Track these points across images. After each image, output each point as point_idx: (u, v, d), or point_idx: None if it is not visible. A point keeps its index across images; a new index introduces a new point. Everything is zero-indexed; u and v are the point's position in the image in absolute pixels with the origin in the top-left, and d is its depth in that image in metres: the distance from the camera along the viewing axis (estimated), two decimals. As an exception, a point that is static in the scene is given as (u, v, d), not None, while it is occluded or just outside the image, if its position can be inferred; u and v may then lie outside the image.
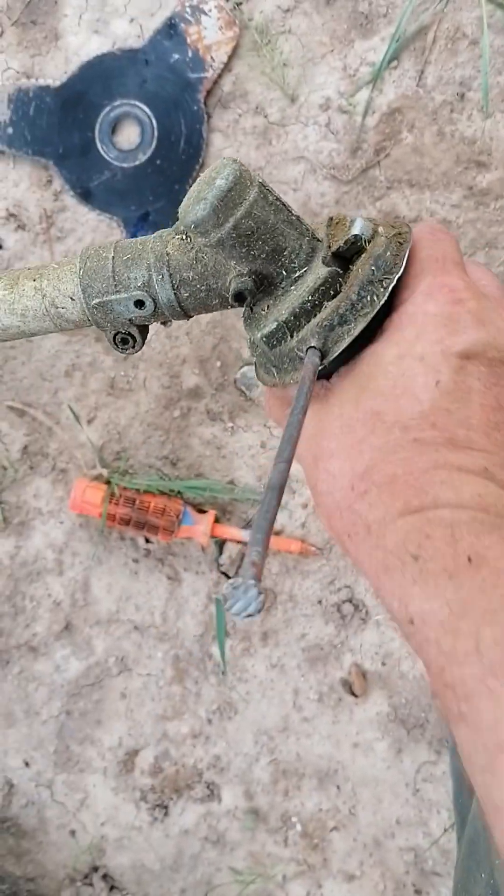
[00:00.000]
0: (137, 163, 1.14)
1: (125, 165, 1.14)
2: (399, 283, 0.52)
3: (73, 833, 1.23)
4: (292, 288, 0.53)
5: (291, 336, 0.53)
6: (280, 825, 1.20)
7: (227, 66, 1.11)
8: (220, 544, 1.17)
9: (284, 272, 0.53)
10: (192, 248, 0.57)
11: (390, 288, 0.50)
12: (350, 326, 0.50)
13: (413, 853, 1.19)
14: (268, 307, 0.57)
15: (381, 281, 0.50)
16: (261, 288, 0.57)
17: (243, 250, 0.52)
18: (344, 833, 1.19)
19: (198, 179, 0.55)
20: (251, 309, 0.60)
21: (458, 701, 0.30)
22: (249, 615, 0.36)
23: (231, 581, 0.37)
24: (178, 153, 1.13)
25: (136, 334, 0.64)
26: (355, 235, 0.53)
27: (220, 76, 1.12)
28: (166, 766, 1.21)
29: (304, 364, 0.53)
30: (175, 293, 0.59)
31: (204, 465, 1.17)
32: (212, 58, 1.11)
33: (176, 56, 1.12)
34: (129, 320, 0.62)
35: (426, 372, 0.40)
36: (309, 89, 1.11)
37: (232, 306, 0.59)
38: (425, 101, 1.09)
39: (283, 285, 0.56)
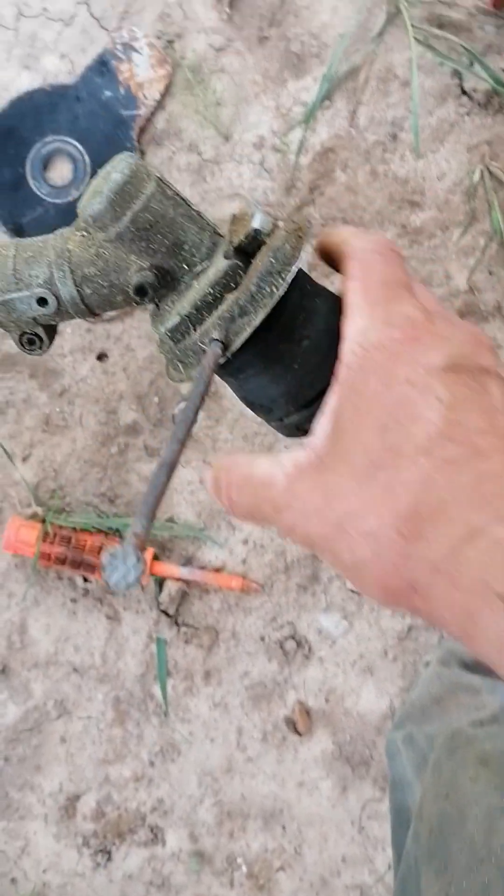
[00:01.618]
0: (70, 199, 1.15)
1: (58, 201, 1.15)
2: (348, 310, 0.53)
3: (13, 881, 1.22)
4: (194, 282, 0.53)
5: (195, 329, 0.53)
6: (226, 867, 1.20)
7: (160, 104, 1.13)
8: (160, 582, 1.17)
9: (186, 266, 0.53)
10: (92, 243, 0.56)
11: (289, 279, 0.50)
12: (250, 317, 0.50)
13: (359, 890, 1.20)
14: (172, 302, 0.55)
15: (280, 273, 0.50)
16: (163, 283, 0.57)
17: (143, 244, 0.52)
18: (290, 873, 1.19)
19: (96, 174, 0.57)
20: (157, 306, 0.60)
21: None
22: (129, 584, 0.34)
23: (110, 549, 0.34)
24: (113, 189, 1.14)
25: (43, 334, 0.64)
26: (255, 229, 0.51)
27: (153, 114, 1.13)
28: (109, 810, 1.20)
29: (206, 355, 0.51)
30: (78, 290, 0.57)
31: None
32: (144, 95, 1.13)
33: (108, 93, 1.13)
34: (34, 319, 0.62)
35: (422, 393, 0.39)
36: (242, 128, 1.13)
37: (136, 302, 0.56)
38: (358, 141, 1.12)
39: (185, 280, 0.54)
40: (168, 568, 1.13)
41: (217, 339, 0.52)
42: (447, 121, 1.09)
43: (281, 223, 0.54)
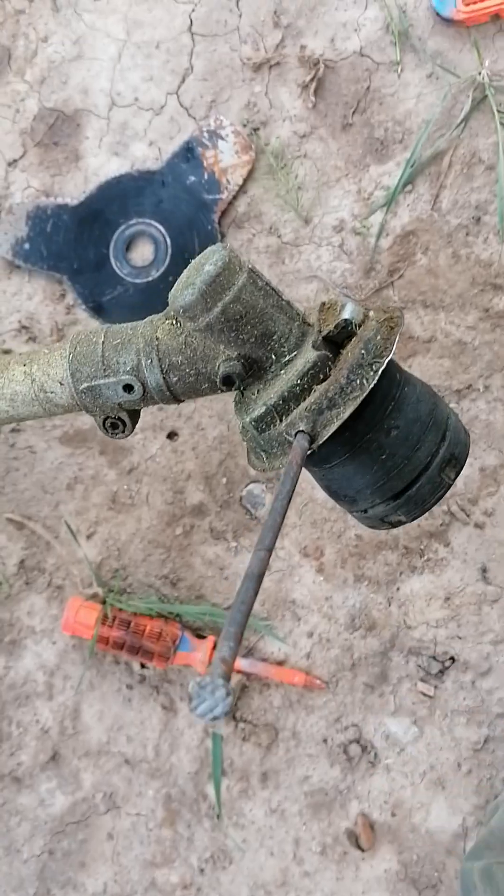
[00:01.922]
0: (150, 279, 1.16)
1: (138, 281, 1.16)
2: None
3: None
4: (282, 372, 0.53)
5: (280, 420, 0.52)
6: None
7: (242, 188, 1.14)
8: (219, 673, 1.11)
9: (274, 356, 0.53)
10: (181, 332, 0.56)
11: (380, 371, 0.50)
12: (339, 410, 0.50)
13: None
14: (258, 391, 0.54)
15: (371, 364, 0.50)
16: (250, 372, 0.55)
17: (232, 334, 0.52)
18: None
19: (189, 265, 0.55)
20: (241, 393, 0.58)
21: None
22: (215, 718, 0.32)
23: (198, 679, 0.32)
24: (191, 270, 1.15)
25: (126, 419, 0.63)
26: (345, 320, 0.51)
27: (235, 197, 1.14)
28: (152, 919, 1.12)
29: (293, 447, 0.49)
30: (164, 377, 0.57)
31: (205, 586, 1.13)
32: (227, 180, 1.15)
33: (192, 178, 1.16)
34: (119, 405, 0.60)
35: None
36: (323, 211, 1.13)
37: (222, 390, 0.56)
38: (440, 225, 1.10)
39: (272, 369, 0.53)
40: (228, 657, 1.08)
41: (304, 431, 0.49)
42: (534, 205, 1.06)
43: (372, 313, 0.52)
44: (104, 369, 0.57)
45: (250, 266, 0.50)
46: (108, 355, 0.57)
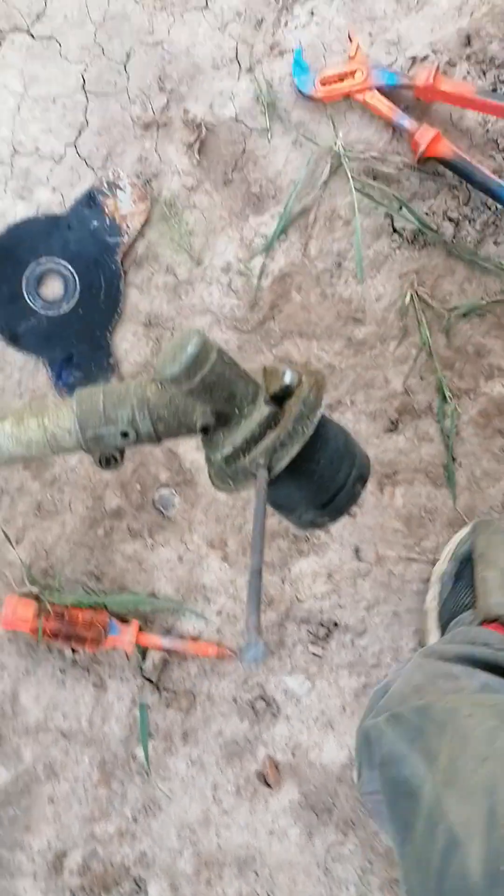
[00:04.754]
0: (61, 312, 1.31)
1: (50, 314, 1.31)
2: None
3: (-3, 945, 1.30)
4: (243, 421, 0.71)
5: (244, 456, 0.71)
6: (202, 915, 1.31)
7: (140, 233, 1.31)
8: (143, 652, 1.30)
9: (237, 410, 0.70)
10: (166, 393, 0.73)
11: (316, 421, 0.71)
12: (288, 448, 0.70)
13: (324, 929, 1.33)
14: (223, 434, 0.75)
15: (309, 416, 0.70)
16: (219, 423, 0.76)
17: (207, 396, 0.69)
18: (261, 916, 1.32)
19: (171, 342, 0.72)
20: (210, 438, 0.79)
21: None
22: (261, 660, 0.52)
23: (245, 643, 0.51)
24: (99, 304, 1.31)
25: (118, 456, 0.81)
26: (287, 384, 0.73)
27: (134, 241, 1.31)
28: (94, 865, 1.30)
29: (258, 479, 0.72)
30: (154, 427, 0.73)
31: (127, 578, 1.31)
32: (127, 225, 1.31)
33: (95, 223, 1.31)
34: (115, 446, 0.80)
35: None
36: (212, 254, 1.33)
37: (197, 435, 0.74)
38: (309, 268, 1.33)
39: (235, 419, 0.74)
40: (151, 638, 1.27)
41: (263, 465, 0.70)
42: (382, 253, 1.32)
43: (304, 377, 0.73)
44: (105, 421, 0.74)
45: (218, 346, 0.70)
46: (109, 410, 0.74)
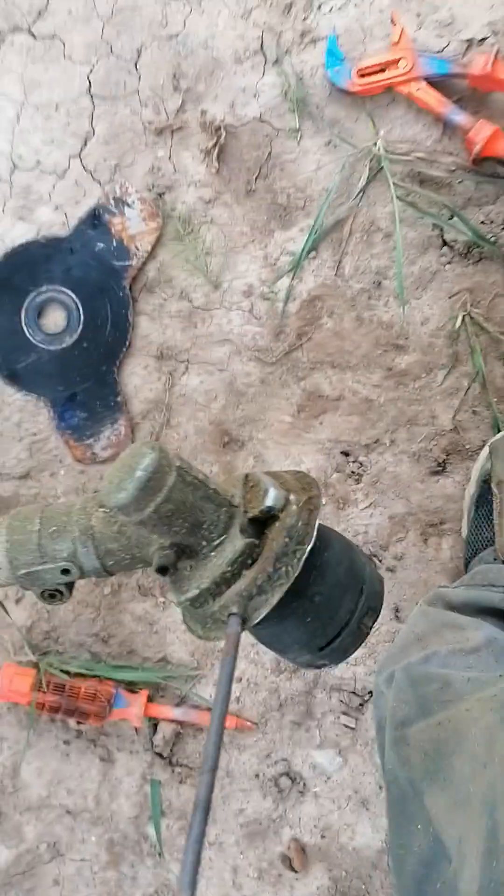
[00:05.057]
0: (64, 345, 1.18)
1: (51, 348, 1.18)
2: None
3: None
4: (212, 554, 0.54)
5: (213, 600, 0.55)
6: None
7: (151, 254, 1.16)
8: (154, 724, 1.18)
9: (205, 542, 0.54)
10: (115, 521, 0.57)
11: (304, 559, 0.53)
12: (267, 596, 0.53)
13: None
14: (190, 567, 0.58)
15: (295, 552, 0.53)
16: (183, 556, 0.61)
17: (164, 528, 0.52)
18: None
19: (118, 461, 0.58)
20: (174, 571, 0.64)
21: None
22: None
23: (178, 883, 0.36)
24: (105, 336, 1.17)
25: (64, 589, 0.67)
26: (269, 507, 0.54)
27: (144, 263, 1.17)
28: None
29: (227, 632, 0.53)
30: (100, 562, 0.58)
31: (136, 641, 1.18)
32: (136, 247, 1.17)
33: (101, 245, 1.17)
34: (55, 583, 0.66)
35: None
36: (232, 276, 1.17)
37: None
38: (344, 289, 1.16)
39: (203, 551, 0.57)
40: (162, 710, 1.13)
41: (237, 615, 0.54)
42: (429, 270, 1.14)
43: (293, 496, 0.57)
44: (41, 557, 0.59)
45: (178, 464, 0.54)
46: (45, 543, 0.59)
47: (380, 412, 1.13)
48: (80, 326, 1.14)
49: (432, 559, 1.14)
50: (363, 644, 0.60)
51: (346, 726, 1.15)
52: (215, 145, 1.14)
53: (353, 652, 0.59)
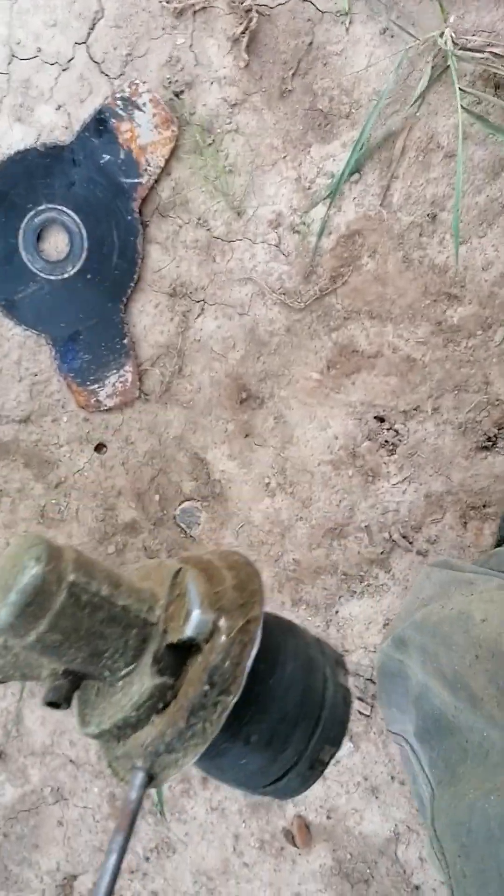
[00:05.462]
0: (66, 275, 1.03)
1: (53, 278, 1.04)
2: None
3: (19, 933, 1.25)
4: (119, 684, 0.44)
5: (118, 742, 0.44)
6: None
7: (164, 170, 0.98)
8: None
9: (108, 672, 0.43)
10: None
11: (226, 714, 0.41)
12: (178, 756, 0.42)
13: None
14: (96, 693, 0.45)
15: (216, 705, 0.42)
16: (81, 682, 0.45)
17: (53, 657, 0.42)
18: None
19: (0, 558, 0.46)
20: (78, 689, 0.51)
21: None
22: None
23: None
24: (111, 267, 1.02)
25: None
26: (189, 637, 0.42)
27: (156, 181, 0.99)
28: None
29: (130, 785, 0.41)
30: None
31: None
32: (147, 160, 0.99)
33: (106, 156, 0.99)
34: None
35: None
36: (257, 202, 0.98)
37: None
38: (390, 223, 0.95)
39: (109, 680, 0.44)
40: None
41: (143, 769, 0.42)
42: (498, 201, 0.91)
43: (223, 622, 0.42)
44: None
45: (72, 578, 0.40)
46: None
47: (423, 374, 0.96)
48: (84, 254, 0.99)
49: (470, 545, 0.99)
50: (321, 779, 0.47)
51: (361, 713, 1.05)
52: (245, 31, 0.93)
53: (304, 791, 0.47)
